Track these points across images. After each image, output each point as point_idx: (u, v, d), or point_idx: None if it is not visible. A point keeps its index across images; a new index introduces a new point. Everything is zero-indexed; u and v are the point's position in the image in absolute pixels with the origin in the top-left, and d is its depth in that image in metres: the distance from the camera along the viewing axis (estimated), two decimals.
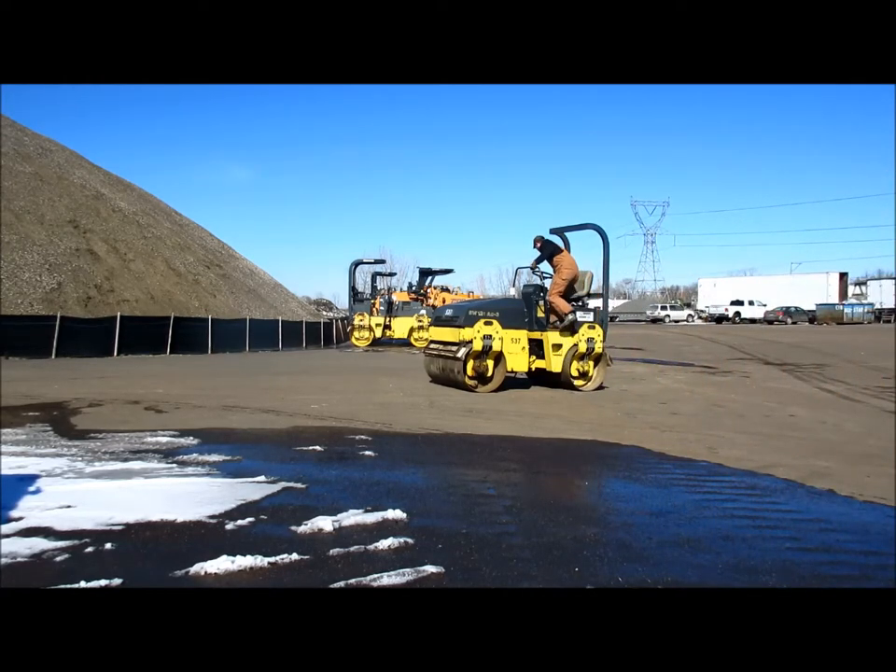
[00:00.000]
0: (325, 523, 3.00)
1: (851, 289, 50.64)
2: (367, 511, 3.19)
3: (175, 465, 4.17)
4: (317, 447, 4.73)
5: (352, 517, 3.10)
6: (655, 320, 46.92)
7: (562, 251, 9.11)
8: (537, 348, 8.87)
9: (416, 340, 21.03)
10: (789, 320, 41.56)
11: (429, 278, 24.42)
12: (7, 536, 2.79)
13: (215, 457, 4.39)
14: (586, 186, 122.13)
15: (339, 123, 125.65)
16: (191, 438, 5.05)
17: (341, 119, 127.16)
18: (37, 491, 3.47)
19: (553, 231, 9.63)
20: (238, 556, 2.54)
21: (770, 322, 41.40)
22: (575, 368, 8.78)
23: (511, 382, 9.17)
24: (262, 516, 3.14)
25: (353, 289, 23.08)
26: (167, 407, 6.81)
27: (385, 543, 2.76)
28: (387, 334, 22.26)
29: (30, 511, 3.14)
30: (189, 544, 2.76)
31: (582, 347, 8.71)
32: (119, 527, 2.96)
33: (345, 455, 4.57)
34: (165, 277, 22.81)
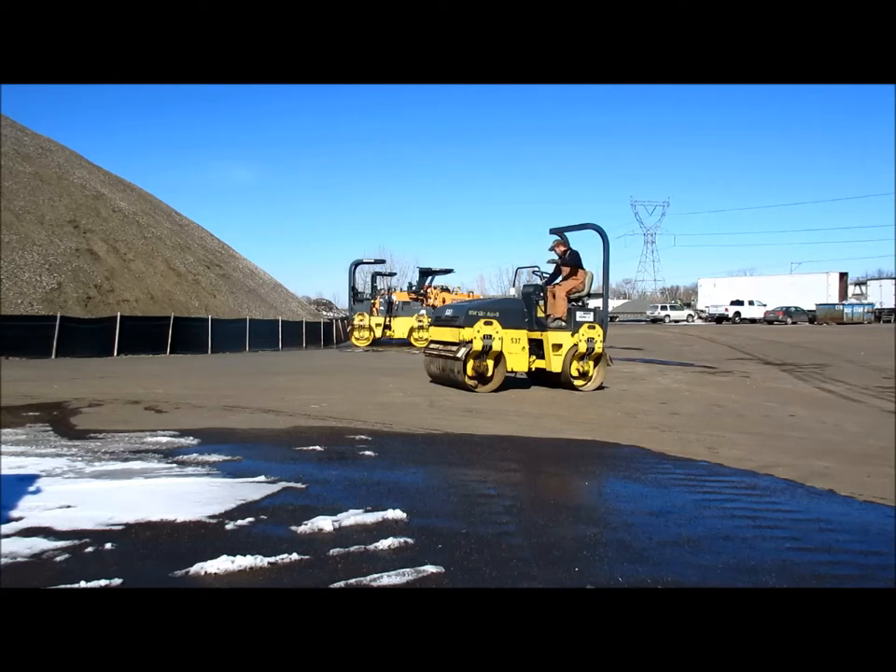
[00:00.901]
0: (325, 523, 3.00)
1: (851, 289, 50.63)
2: (367, 511, 3.19)
3: (174, 465, 4.17)
4: (317, 447, 4.73)
5: (352, 517, 3.10)
6: (655, 320, 46.92)
7: (582, 267, 9.14)
8: (537, 348, 8.87)
9: (416, 340, 21.03)
10: (789, 320, 41.56)
11: (429, 278, 24.42)
12: (7, 536, 2.79)
13: (215, 457, 4.39)
14: (586, 186, 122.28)
15: (339, 123, 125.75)
16: (191, 438, 5.05)
17: (341, 120, 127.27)
18: (37, 491, 3.47)
19: (552, 231, 9.63)
20: (238, 556, 2.54)
21: (770, 322, 41.40)
22: (575, 368, 8.78)
23: (511, 382, 9.17)
24: (262, 516, 3.14)
25: (353, 289, 23.08)
26: (167, 407, 6.81)
27: (385, 543, 2.76)
28: (387, 334, 22.26)
29: (30, 510, 3.14)
30: (189, 544, 2.76)
31: (582, 347, 8.71)
32: (119, 527, 2.95)
33: (345, 454, 4.57)
34: (165, 277, 22.81)
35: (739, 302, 45.98)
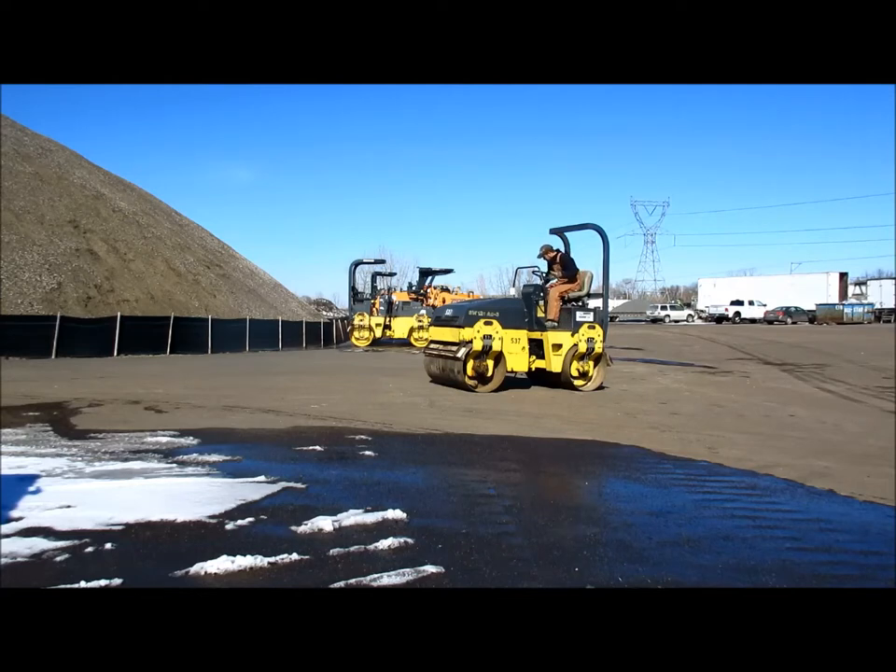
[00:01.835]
0: (325, 523, 3.00)
1: (851, 289, 50.62)
2: (367, 511, 3.19)
3: (175, 465, 4.17)
4: (317, 447, 4.73)
5: (352, 517, 3.10)
6: (655, 320, 46.92)
7: (576, 271, 9.15)
8: (537, 348, 8.87)
9: (416, 340, 21.03)
10: (789, 320, 41.56)
11: (429, 278, 24.41)
12: (7, 536, 2.79)
13: (215, 457, 4.39)
14: (586, 186, 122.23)
15: (339, 123, 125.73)
16: (191, 438, 5.05)
17: (341, 120, 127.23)
18: (37, 491, 3.47)
19: (552, 232, 9.63)
20: (238, 556, 2.54)
21: (770, 322, 41.40)
22: (575, 368, 8.78)
23: (511, 382, 9.17)
24: (262, 516, 3.14)
25: (353, 289, 23.08)
26: (167, 407, 6.81)
27: (385, 543, 2.76)
28: (387, 334, 22.26)
29: (30, 510, 3.14)
30: (189, 544, 2.76)
31: (582, 347, 8.71)
32: (119, 527, 2.95)
33: (345, 454, 4.57)
34: (165, 277, 22.80)
35: (739, 302, 45.97)
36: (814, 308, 43.26)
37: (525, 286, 9.72)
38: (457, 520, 3.14)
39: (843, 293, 47.76)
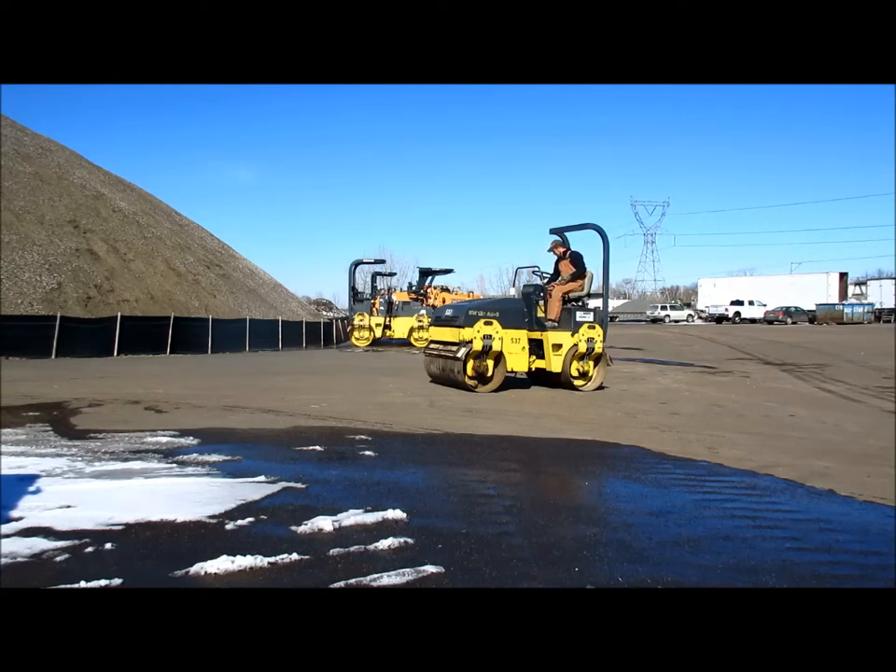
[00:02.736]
0: (325, 523, 3.00)
1: (851, 289, 50.63)
2: (367, 511, 3.19)
3: (175, 465, 4.17)
4: (317, 447, 4.73)
5: (352, 517, 3.10)
6: (655, 320, 46.93)
7: (584, 272, 9.14)
8: (537, 348, 8.87)
9: (416, 340, 21.02)
10: (789, 320, 41.57)
11: (429, 278, 24.41)
12: (7, 536, 2.79)
13: (215, 457, 4.39)
14: (586, 186, 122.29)
15: (339, 123, 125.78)
16: (191, 438, 5.05)
17: (341, 120, 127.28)
18: (37, 491, 3.47)
19: (552, 231, 9.63)
20: (238, 556, 2.54)
21: (770, 322, 41.41)
22: (575, 368, 8.78)
23: (511, 382, 9.17)
24: (262, 516, 3.14)
25: (353, 289, 23.07)
26: (167, 407, 6.81)
27: (385, 543, 2.76)
28: (387, 334, 22.25)
29: (30, 510, 3.14)
30: (189, 544, 2.76)
31: (582, 347, 8.71)
32: (119, 527, 2.95)
33: (345, 454, 4.57)
34: (165, 277, 22.80)
35: (739, 302, 45.99)
36: (814, 308, 43.28)
37: (524, 286, 9.71)
38: (457, 520, 3.14)
39: (843, 293, 47.77)
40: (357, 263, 24.27)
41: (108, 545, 2.72)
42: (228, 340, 20.11)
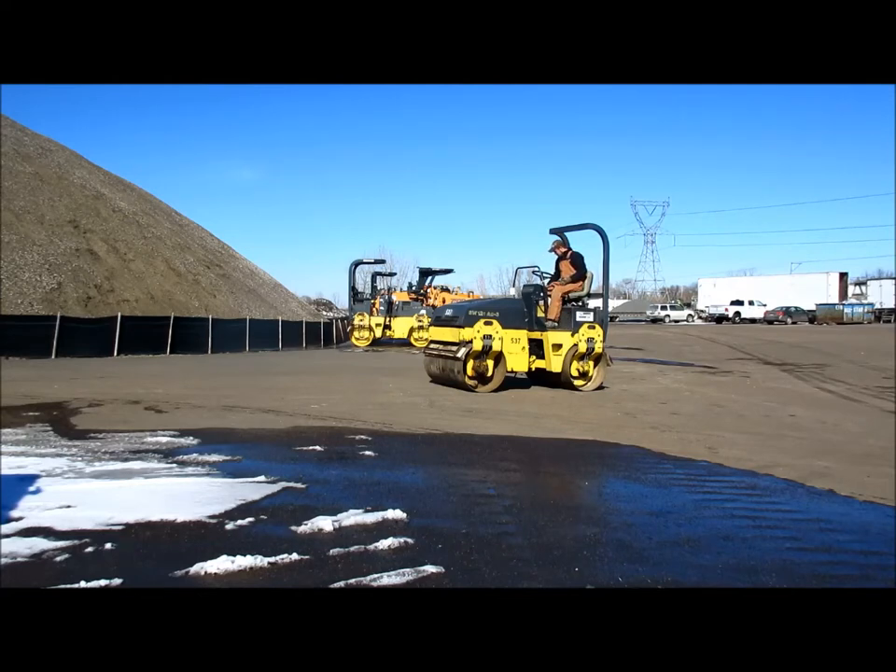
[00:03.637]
0: (325, 523, 3.00)
1: (851, 289, 50.64)
2: (367, 511, 3.19)
3: (175, 465, 4.17)
4: (317, 447, 4.73)
5: (352, 517, 3.10)
6: (655, 320, 46.95)
7: (585, 273, 9.13)
8: (537, 348, 8.87)
9: (416, 340, 21.02)
10: (789, 320, 41.58)
11: (429, 278, 24.40)
12: (7, 536, 2.79)
13: (215, 457, 4.38)
14: (586, 186, 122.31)
15: (339, 123, 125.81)
16: (191, 438, 5.05)
17: (341, 120, 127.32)
18: (37, 491, 3.47)
19: (552, 231, 9.62)
20: (238, 556, 2.54)
21: (770, 322, 41.42)
22: (575, 368, 8.78)
23: (511, 382, 9.17)
24: (262, 516, 3.14)
25: (353, 289, 23.07)
26: (167, 407, 6.81)
27: (385, 543, 2.76)
28: (387, 334, 22.25)
29: (30, 510, 3.14)
30: (189, 544, 2.76)
31: (582, 347, 8.70)
32: (119, 527, 2.95)
33: (345, 454, 4.57)
34: (165, 277, 22.80)
35: (739, 302, 45.99)
36: (814, 308, 43.29)
37: (524, 286, 9.71)
38: (457, 520, 3.14)
39: (843, 293, 47.78)
40: (356, 263, 24.27)
41: (108, 545, 2.72)
42: (228, 340, 20.11)
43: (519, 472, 4.22)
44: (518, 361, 8.65)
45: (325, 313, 41.41)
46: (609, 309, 10.71)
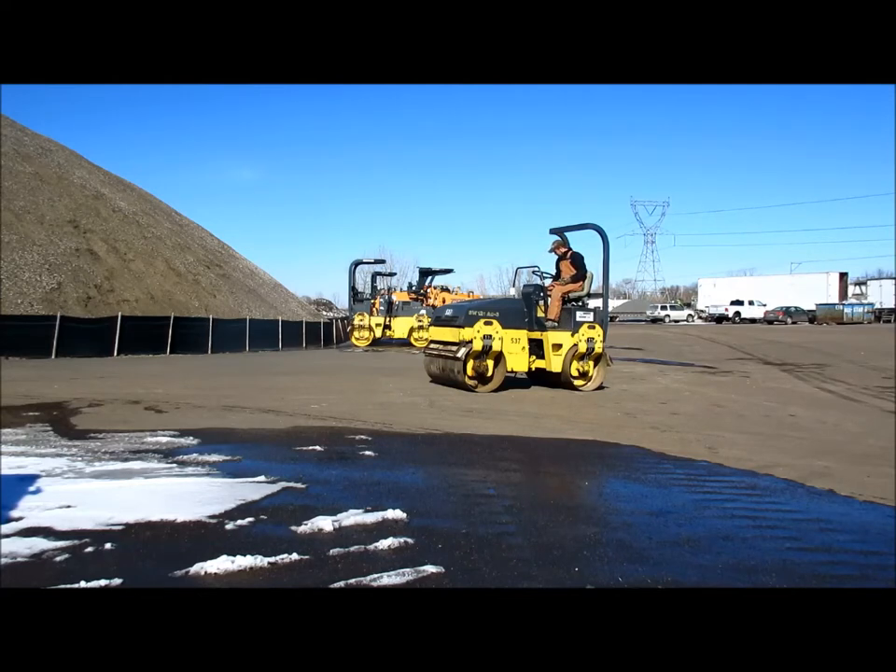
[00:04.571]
0: (325, 523, 3.00)
1: (851, 289, 50.63)
2: (367, 511, 3.19)
3: (175, 465, 4.17)
4: (317, 447, 4.73)
5: (352, 517, 3.10)
6: (655, 320, 46.95)
7: (585, 273, 9.13)
8: (537, 348, 8.87)
9: (416, 340, 21.02)
10: (789, 320, 41.58)
11: (429, 278, 24.41)
12: (7, 536, 2.79)
13: (215, 457, 4.38)
14: (586, 186, 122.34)
15: (339, 123, 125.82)
16: (191, 438, 5.05)
17: (341, 120, 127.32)
18: (37, 491, 3.47)
19: (552, 231, 9.63)
20: (238, 556, 2.54)
21: (770, 322, 41.42)
22: (575, 368, 8.78)
23: (511, 382, 9.17)
24: (262, 516, 3.14)
25: (353, 289, 23.08)
26: (167, 407, 6.81)
27: (385, 543, 2.76)
28: (387, 334, 22.25)
29: (30, 510, 3.14)
30: (188, 544, 2.76)
31: (582, 347, 8.71)
32: (119, 527, 2.95)
33: (345, 454, 4.57)
34: (165, 277, 22.80)
35: (739, 302, 45.99)
36: (814, 308, 43.29)
37: (524, 286, 9.71)
38: (457, 520, 3.14)
39: (843, 293, 47.78)
40: (356, 263, 24.27)
41: (108, 545, 2.72)
42: (228, 340, 20.11)
43: (519, 472, 4.22)
44: (518, 361, 8.65)
45: (325, 313, 41.42)
46: (609, 309, 10.72)
